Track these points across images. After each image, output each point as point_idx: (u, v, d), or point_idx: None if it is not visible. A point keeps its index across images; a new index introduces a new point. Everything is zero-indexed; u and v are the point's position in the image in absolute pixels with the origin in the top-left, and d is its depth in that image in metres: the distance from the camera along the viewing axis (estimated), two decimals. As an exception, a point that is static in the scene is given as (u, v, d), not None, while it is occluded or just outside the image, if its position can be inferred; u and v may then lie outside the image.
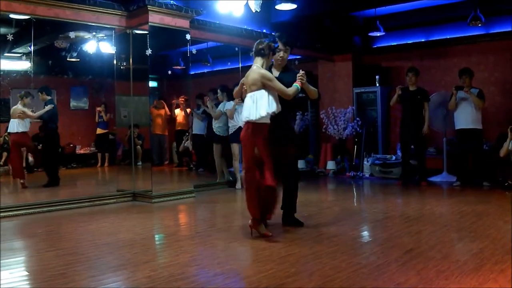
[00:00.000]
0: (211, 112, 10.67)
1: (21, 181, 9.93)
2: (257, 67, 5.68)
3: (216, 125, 10.39)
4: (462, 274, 4.10)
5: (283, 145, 6.05)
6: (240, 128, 9.89)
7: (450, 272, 4.16)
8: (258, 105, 5.50)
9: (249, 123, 5.57)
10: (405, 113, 10.44)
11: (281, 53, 6.12)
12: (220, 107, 10.26)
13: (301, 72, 5.93)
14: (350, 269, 4.30)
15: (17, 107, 9.88)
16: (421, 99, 10.26)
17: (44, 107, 10.23)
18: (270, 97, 5.55)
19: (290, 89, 5.74)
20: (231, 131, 10.02)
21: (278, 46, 6.05)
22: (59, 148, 11.26)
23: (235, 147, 9.97)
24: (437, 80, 11.69)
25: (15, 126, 9.81)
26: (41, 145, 11.06)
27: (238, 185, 10.05)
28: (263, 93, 5.54)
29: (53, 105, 10.31)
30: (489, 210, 7.22)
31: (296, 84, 5.81)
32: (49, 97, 10.42)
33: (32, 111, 10.11)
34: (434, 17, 11.76)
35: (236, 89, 6.24)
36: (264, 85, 5.56)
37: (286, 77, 5.96)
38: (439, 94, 10.86)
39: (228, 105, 10.01)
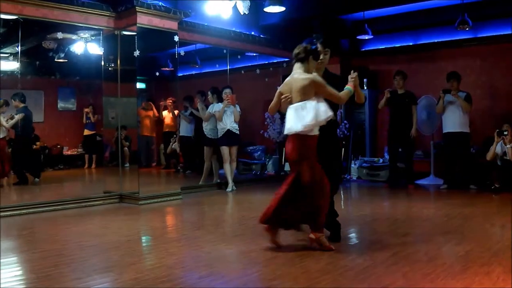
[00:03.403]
0: (201, 113, 10.68)
1: None
2: (299, 72, 5.22)
3: (207, 128, 10.39)
4: (448, 276, 4.12)
5: (331, 154, 5.60)
6: (229, 130, 9.94)
7: (436, 274, 4.17)
8: (315, 113, 5.02)
9: (304, 135, 5.07)
10: (393, 116, 10.47)
11: (321, 56, 5.53)
12: (209, 109, 10.26)
13: (354, 73, 5.43)
14: (336, 271, 4.31)
15: None
16: (409, 102, 10.30)
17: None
18: (323, 104, 5.11)
19: (342, 93, 5.30)
20: (220, 133, 10.03)
21: (317, 48, 5.47)
22: (30, 154, 11.33)
23: (225, 150, 9.97)
24: (425, 83, 11.69)
25: None
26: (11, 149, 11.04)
27: (229, 188, 10.03)
28: (312, 102, 5.07)
29: (23, 114, 10.39)
30: (475, 213, 7.27)
31: (349, 87, 5.36)
32: (22, 105, 10.55)
33: (12, 117, 10.33)
34: (422, 21, 11.80)
35: (272, 104, 5.45)
36: (316, 92, 5.12)
37: (329, 83, 5.31)
38: (426, 98, 10.90)
39: (217, 107, 10.02)
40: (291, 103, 5.16)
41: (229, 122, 9.96)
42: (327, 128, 5.30)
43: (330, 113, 5.10)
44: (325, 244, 5.10)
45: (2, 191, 9.55)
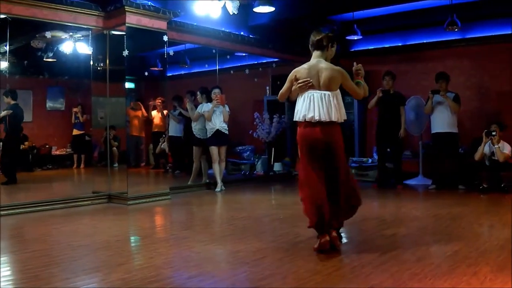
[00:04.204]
0: (190, 113, 10.66)
1: None
2: (323, 61, 5.14)
3: (196, 128, 10.37)
4: (435, 276, 4.13)
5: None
6: (218, 130, 9.92)
7: (424, 274, 4.18)
8: (343, 107, 5.16)
9: (338, 123, 5.12)
10: (382, 116, 10.50)
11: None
12: (198, 109, 10.24)
13: (358, 65, 5.43)
14: (325, 271, 4.31)
15: None
16: (398, 103, 10.33)
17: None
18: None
19: (360, 88, 5.31)
20: (209, 133, 10.01)
21: (336, 36, 5.40)
22: (17, 151, 11.46)
23: (214, 150, 9.95)
24: (414, 84, 11.72)
25: None
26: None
27: (218, 188, 10.03)
28: (340, 95, 5.16)
29: (11, 111, 10.51)
30: (463, 213, 7.29)
31: (359, 81, 5.35)
32: (13, 102, 10.68)
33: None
34: (411, 22, 11.85)
35: (284, 90, 5.34)
36: (342, 84, 5.17)
37: None
38: (414, 98, 10.94)
39: (206, 107, 10.00)
40: (310, 88, 5.06)
41: (219, 122, 9.95)
42: None
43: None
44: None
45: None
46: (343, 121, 5.14)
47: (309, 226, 5.16)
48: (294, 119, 5.25)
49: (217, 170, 10.07)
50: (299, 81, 5.08)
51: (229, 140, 10.54)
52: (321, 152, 5.04)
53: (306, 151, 5.15)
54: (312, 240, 5.40)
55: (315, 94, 5.02)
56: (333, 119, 4.99)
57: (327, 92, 5.01)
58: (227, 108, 10.07)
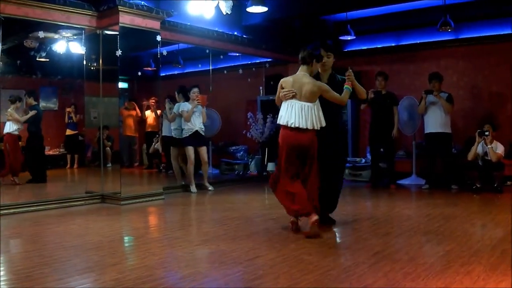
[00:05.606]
0: (168, 114, 10.61)
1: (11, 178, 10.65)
2: (307, 76, 5.92)
3: (172, 128, 10.34)
4: (428, 276, 4.13)
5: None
6: (196, 132, 9.83)
7: (416, 274, 4.19)
8: (321, 116, 5.87)
9: (313, 130, 5.81)
10: (375, 116, 10.52)
11: (324, 59, 6.26)
12: (175, 108, 10.20)
13: (349, 71, 6.21)
14: (317, 271, 4.31)
15: (9, 110, 10.67)
16: (390, 103, 10.35)
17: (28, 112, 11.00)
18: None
19: (343, 95, 6.05)
20: (186, 134, 9.92)
21: (320, 52, 6.19)
22: (42, 149, 11.79)
23: (190, 150, 9.86)
24: (407, 84, 11.76)
25: (7, 127, 10.72)
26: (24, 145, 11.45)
27: (193, 189, 10.01)
28: (319, 105, 5.87)
29: (36, 111, 10.91)
30: (456, 213, 7.30)
31: (347, 86, 6.10)
32: (35, 103, 11.13)
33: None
34: (404, 22, 11.86)
35: (276, 96, 6.11)
36: (323, 96, 5.90)
37: (333, 85, 6.16)
38: (407, 98, 10.96)
39: (184, 106, 9.89)
40: (293, 98, 5.81)
41: (198, 123, 9.84)
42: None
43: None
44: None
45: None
46: (320, 127, 5.87)
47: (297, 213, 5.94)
48: (277, 122, 6.04)
49: (192, 171, 9.98)
50: (284, 90, 5.89)
51: (207, 141, 10.48)
52: (297, 152, 5.83)
53: (286, 149, 5.87)
54: (303, 240, 5.42)
55: (297, 104, 5.79)
56: (309, 127, 5.76)
57: (306, 103, 5.79)
58: (204, 109, 10.02)
